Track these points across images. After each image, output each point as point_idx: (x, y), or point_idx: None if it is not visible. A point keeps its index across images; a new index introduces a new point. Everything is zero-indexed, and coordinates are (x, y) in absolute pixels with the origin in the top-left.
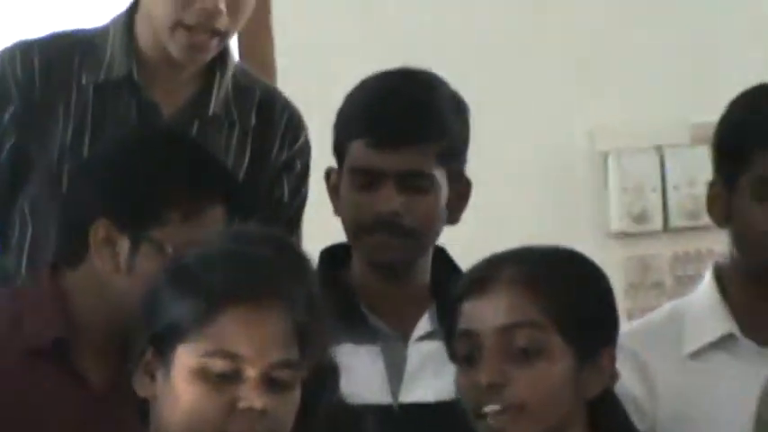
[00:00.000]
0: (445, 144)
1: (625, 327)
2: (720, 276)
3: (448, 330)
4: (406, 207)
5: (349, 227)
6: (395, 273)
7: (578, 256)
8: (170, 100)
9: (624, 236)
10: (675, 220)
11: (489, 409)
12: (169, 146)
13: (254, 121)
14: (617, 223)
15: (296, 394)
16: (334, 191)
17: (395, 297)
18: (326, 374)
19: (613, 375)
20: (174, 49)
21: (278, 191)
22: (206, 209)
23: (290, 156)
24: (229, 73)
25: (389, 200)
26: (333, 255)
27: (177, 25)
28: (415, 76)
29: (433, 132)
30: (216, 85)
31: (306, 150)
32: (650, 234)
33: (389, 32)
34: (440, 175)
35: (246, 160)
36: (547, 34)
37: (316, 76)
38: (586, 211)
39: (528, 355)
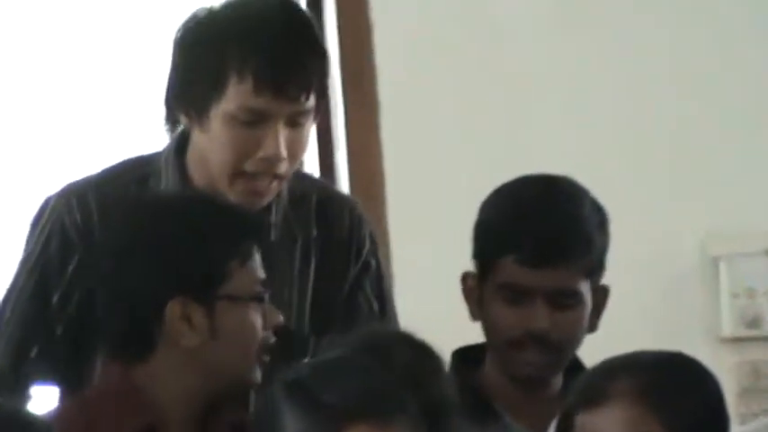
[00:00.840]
0: (592, 259)
1: (737, 430)
2: None
3: None
4: (555, 323)
5: (495, 339)
6: (533, 384)
7: (690, 363)
8: None
9: (736, 341)
10: None
11: None
12: (200, 206)
13: (314, 231)
14: (729, 328)
15: None
16: (470, 295)
17: (529, 401)
18: None
19: None
20: (234, 195)
21: (362, 295)
22: (254, 247)
23: (364, 259)
24: (285, 192)
25: (541, 317)
26: (465, 355)
27: (238, 175)
28: (559, 186)
29: (583, 250)
30: (273, 210)
31: (374, 244)
32: (762, 339)
33: (496, 142)
34: (585, 290)
35: (313, 268)
36: (658, 143)
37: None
38: (698, 316)
39: None
